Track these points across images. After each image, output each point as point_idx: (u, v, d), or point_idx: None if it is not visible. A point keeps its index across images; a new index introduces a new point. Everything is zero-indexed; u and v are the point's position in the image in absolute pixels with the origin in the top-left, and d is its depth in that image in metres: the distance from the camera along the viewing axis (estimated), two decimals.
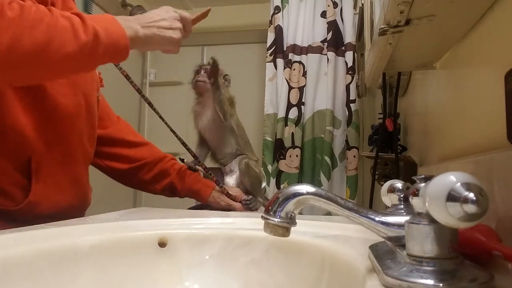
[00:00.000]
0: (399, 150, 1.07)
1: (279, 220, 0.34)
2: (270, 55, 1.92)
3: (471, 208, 0.22)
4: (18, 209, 0.69)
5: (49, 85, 0.73)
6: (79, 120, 0.80)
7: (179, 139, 1.03)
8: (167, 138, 1.17)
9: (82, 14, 0.63)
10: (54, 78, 0.71)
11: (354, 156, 1.77)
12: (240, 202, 1.01)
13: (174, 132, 1.05)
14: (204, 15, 0.85)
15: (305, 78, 1.85)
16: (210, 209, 1.01)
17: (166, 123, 1.01)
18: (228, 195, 1.02)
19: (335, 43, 1.84)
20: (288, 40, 1.91)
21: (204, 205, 1.07)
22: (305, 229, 0.54)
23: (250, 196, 1.03)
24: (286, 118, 1.82)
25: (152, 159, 1.04)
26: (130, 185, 1.08)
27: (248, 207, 1.01)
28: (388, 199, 0.40)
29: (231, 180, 1.09)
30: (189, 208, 1.08)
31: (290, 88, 1.85)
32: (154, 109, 1.01)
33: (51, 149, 0.73)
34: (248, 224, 0.61)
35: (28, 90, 0.70)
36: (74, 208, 0.82)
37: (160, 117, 1.01)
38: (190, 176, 1.05)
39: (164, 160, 1.06)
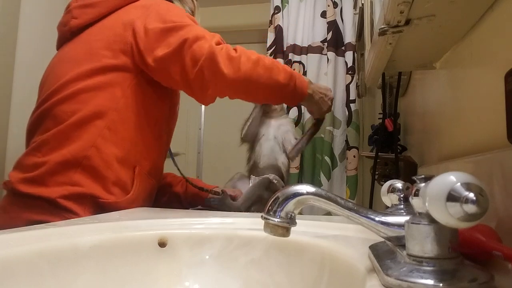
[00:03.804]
0: (399, 150, 1.07)
1: (279, 220, 0.34)
2: (270, 55, 1.92)
3: (471, 208, 0.22)
4: (117, 202, 0.84)
5: (163, 121, 0.99)
6: (165, 146, 1.04)
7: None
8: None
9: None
10: (260, 100, 1.06)
11: (354, 156, 1.77)
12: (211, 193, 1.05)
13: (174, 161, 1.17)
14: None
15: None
16: (211, 210, 1.02)
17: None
18: (229, 195, 1.05)
19: (335, 43, 1.84)
20: (288, 40, 1.91)
21: (204, 208, 1.09)
22: (305, 229, 0.54)
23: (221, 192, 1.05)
24: None
25: None
26: None
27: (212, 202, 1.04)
28: (388, 199, 0.40)
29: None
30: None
31: None
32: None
33: (148, 163, 0.94)
34: (248, 224, 0.61)
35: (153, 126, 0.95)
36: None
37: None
38: (190, 182, 1.16)
39: (168, 176, 1.20)
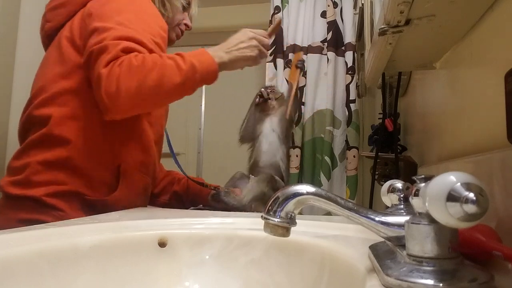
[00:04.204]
0: (399, 150, 1.07)
1: (279, 220, 0.34)
2: (270, 55, 1.92)
3: (471, 208, 0.22)
4: (104, 200, 0.85)
5: (141, 118, 0.94)
6: (154, 144, 1.00)
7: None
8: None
9: (181, 52, 0.83)
10: (167, 104, 0.96)
11: (354, 156, 1.77)
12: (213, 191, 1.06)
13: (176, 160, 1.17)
14: (277, 25, 1.01)
15: (305, 78, 1.85)
16: (211, 209, 1.02)
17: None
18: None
19: (335, 43, 1.84)
20: (288, 40, 1.91)
21: (204, 207, 1.10)
22: (305, 229, 0.54)
23: (226, 189, 1.05)
24: None
25: (158, 176, 1.16)
26: None
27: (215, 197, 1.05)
28: (388, 199, 0.40)
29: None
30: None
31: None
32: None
33: (134, 160, 0.92)
34: (248, 224, 0.61)
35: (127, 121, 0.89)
36: None
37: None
38: (191, 181, 1.16)
39: (170, 174, 1.19)
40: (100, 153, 0.87)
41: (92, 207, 0.83)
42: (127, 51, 0.79)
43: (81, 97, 0.85)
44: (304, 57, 1.86)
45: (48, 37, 0.95)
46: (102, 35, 0.80)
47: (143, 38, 0.82)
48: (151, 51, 0.83)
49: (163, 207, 1.16)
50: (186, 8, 1.10)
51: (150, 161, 1.00)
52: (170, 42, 1.10)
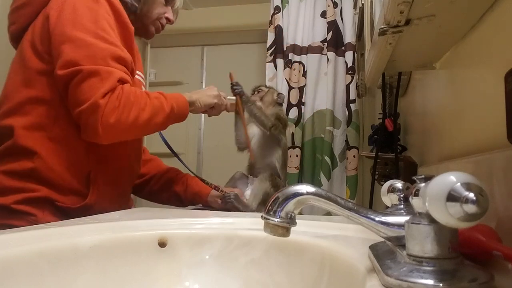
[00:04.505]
0: (399, 150, 1.07)
1: (279, 220, 0.34)
2: (270, 55, 1.92)
3: (471, 208, 0.22)
4: (75, 208, 0.84)
5: None
6: (128, 145, 0.97)
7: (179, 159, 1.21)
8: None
9: (163, 93, 0.94)
10: (146, 135, 1.05)
11: (354, 156, 1.77)
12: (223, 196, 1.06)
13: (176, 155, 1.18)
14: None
15: (305, 78, 1.86)
16: (210, 209, 1.02)
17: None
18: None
19: (335, 43, 1.84)
20: (288, 40, 1.91)
21: (204, 207, 1.10)
22: (305, 229, 0.54)
23: (233, 193, 1.06)
24: None
25: (158, 172, 1.17)
26: (140, 197, 1.19)
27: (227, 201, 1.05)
28: (388, 199, 0.40)
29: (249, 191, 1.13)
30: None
31: (290, 88, 1.85)
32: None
33: (106, 166, 0.91)
34: (248, 224, 0.61)
35: None
36: None
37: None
38: (191, 181, 1.15)
39: (169, 171, 1.18)
40: (67, 162, 0.85)
41: (65, 213, 0.82)
42: (122, 81, 0.82)
43: (45, 106, 0.83)
44: (304, 57, 1.87)
45: (15, 39, 0.92)
46: (84, 50, 0.79)
47: (125, 55, 0.85)
48: (129, 66, 0.87)
49: (161, 203, 1.16)
50: (169, 1, 1.07)
51: (124, 167, 0.98)
52: (149, 36, 1.08)
